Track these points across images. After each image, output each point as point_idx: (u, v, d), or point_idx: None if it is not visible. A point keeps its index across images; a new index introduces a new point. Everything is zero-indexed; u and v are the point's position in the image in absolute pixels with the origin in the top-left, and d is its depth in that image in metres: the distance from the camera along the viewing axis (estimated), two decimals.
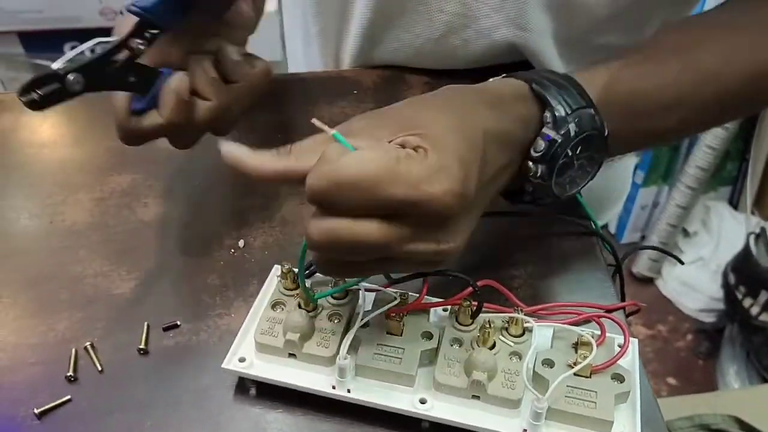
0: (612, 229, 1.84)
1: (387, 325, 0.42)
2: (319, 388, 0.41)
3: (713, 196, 1.77)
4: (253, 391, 0.42)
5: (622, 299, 0.49)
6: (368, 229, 0.34)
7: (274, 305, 0.43)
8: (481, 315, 0.42)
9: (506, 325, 0.42)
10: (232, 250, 0.51)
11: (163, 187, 0.56)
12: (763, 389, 1.36)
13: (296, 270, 0.44)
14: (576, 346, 0.41)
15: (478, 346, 0.41)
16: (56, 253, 0.51)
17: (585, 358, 0.39)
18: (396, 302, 0.42)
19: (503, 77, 0.45)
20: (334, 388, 0.40)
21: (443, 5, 0.59)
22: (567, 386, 0.39)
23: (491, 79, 0.45)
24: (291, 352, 0.41)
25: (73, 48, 0.47)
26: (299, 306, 0.43)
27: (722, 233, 1.67)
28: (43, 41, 1.67)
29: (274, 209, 0.54)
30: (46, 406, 0.42)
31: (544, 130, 0.41)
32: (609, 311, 0.44)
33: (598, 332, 0.42)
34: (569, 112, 0.41)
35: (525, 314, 0.42)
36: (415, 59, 0.64)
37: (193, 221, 0.53)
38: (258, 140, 0.59)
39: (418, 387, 0.41)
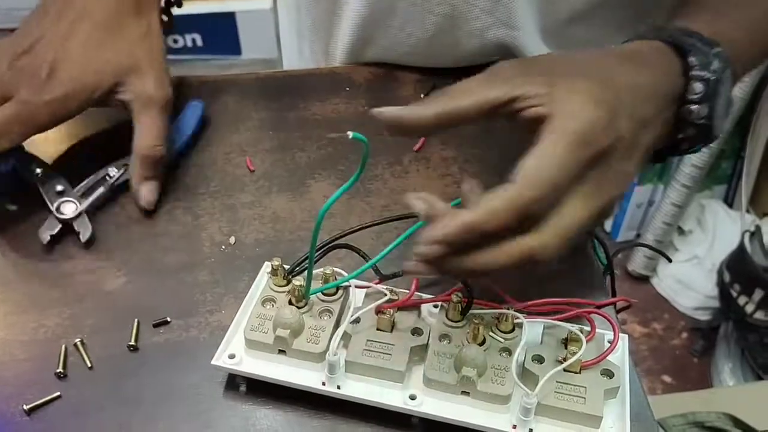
0: (607, 227, 1.84)
1: (377, 321, 0.42)
2: (309, 385, 0.40)
3: (708, 194, 1.78)
4: (243, 387, 0.42)
5: (613, 296, 0.49)
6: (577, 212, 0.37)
7: (264, 302, 0.43)
8: (471, 311, 0.42)
9: (496, 321, 0.42)
10: (223, 247, 0.51)
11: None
12: (758, 387, 1.36)
13: (287, 267, 0.44)
14: (566, 342, 0.41)
15: (468, 342, 0.41)
16: (46, 249, 0.51)
17: (574, 353, 0.39)
18: (386, 298, 0.42)
19: (634, 40, 0.45)
20: (324, 384, 0.40)
21: (434, 7, 0.59)
22: (556, 382, 0.39)
23: (624, 44, 0.45)
24: (281, 348, 0.41)
25: None
26: (289, 302, 0.43)
27: (717, 231, 1.68)
28: None
29: (265, 205, 0.54)
30: (35, 403, 0.42)
31: (695, 72, 0.42)
32: (599, 307, 0.44)
33: (588, 328, 0.42)
34: (708, 50, 0.42)
35: (515, 310, 0.42)
36: (406, 58, 0.64)
37: (184, 217, 0.53)
38: (251, 137, 0.59)
39: (407, 383, 0.41)
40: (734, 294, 1.53)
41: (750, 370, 1.49)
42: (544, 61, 0.42)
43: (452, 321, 0.42)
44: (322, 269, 0.43)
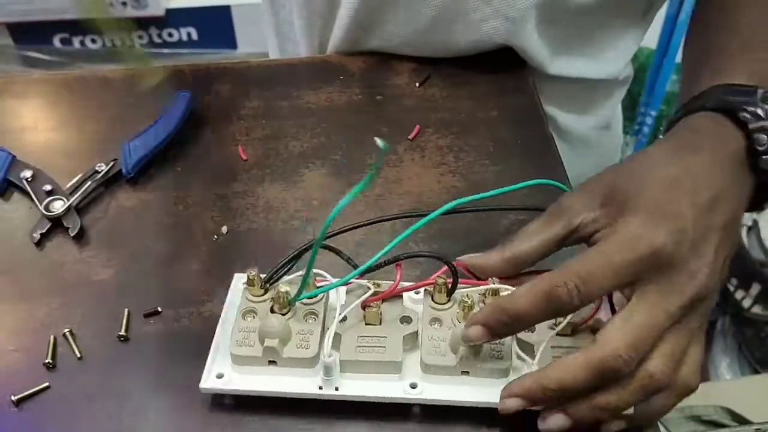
0: None
1: (365, 315, 0.41)
2: (306, 391, 0.40)
3: None
4: (231, 408, 0.41)
5: None
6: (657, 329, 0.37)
7: (245, 314, 0.42)
8: (457, 291, 0.42)
9: (483, 297, 0.42)
10: (215, 236, 0.50)
11: (144, 173, 0.55)
12: (755, 380, 1.36)
13: (263, 275, 0.43)
14: None
15: (459, 322, 0.40)
16: (35, 239, 0.50)
17: (565, 317, 0.40)
18: (371, 292, 0.42)
19: (675, 120, 0.46)
20: (321, 388, 0.40)
21: None
22: (551, 347, 0.40)
23: (673, 129, 0.45)
24: (271, 359, 0.40)
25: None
26: (271, 310, 0.42)
27: None
28: (32, 33, 1.65)
29: (258, 195, 0.53)
30: (24, 393, 0.42)
31: (753, 125, 0.42)
32: None
33: None
34: (755, 99, 0.43)
35: (500, 284, 0.41)
36: (402, 48, 0.64)
37: (175, 207, 0.52)
38: (243, 126, 0.59)
39: (405, 373, 0.40)
40: (731, 288, 1.52)
41: (747, 364, 1.48)
42: (602, 180, 0.42)
43: (439, 304, 0.42)
44: (301, 271, 0.42)
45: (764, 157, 0.42)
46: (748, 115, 0.42)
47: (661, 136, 0.50)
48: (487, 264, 0.42)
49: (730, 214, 0.40)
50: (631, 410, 0.38)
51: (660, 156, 0.42)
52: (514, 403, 0.37)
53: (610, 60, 0.65)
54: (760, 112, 0.42)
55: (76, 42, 1.68)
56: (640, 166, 0.41)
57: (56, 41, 1.67)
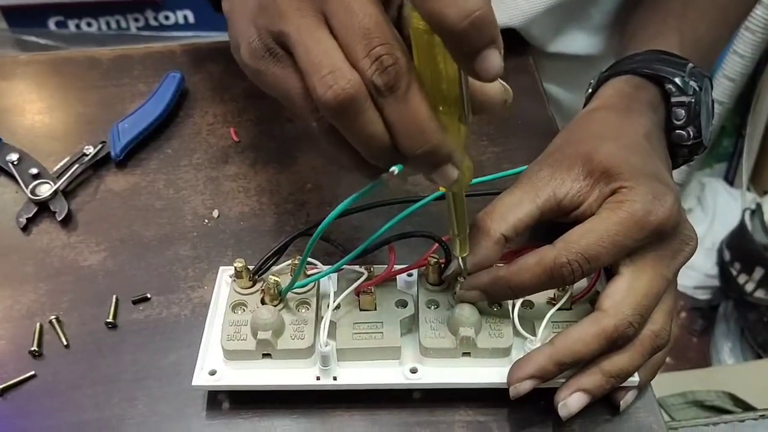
0: None
1: (359, 302, 0.40)
2: (304, 383, 0.38)
3: (708, 172, 1.76)
4: (226, 404, 0.40)
5: None
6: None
7: (234, 307, 0.40)
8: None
9: None
10: (206, 221, 0.49)
11: (133, 156, 0.53)
12: (757, 365, 1.35)
13: (251, 267, 0.41)
14: None
15: (456, 303, 0.39)
16: (22, 224, 0.49)
17: (565, 291, 0.40)
18: (365, 277, 0.40)
19: (606, 78, 0.47)
20: (318, 378, 0.38)
21: None
22: (551, 321, 0.39)
23: (600, 90, 0.47)
24: (265, 352, 0.39)
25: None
26: (262, 302, 0.40)
27: (717, 210, 1.66)
28: (27, 16, 1.63)
29: (250, 177, 0.52)
30: (9, 382, 0.41)
31: (675, 99, 0.44)
32: None
33: None
34: (682, 73, 0.45)
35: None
36: None
37: (165, 190, 0.51)
38: (236, 107, 0.57)
39: (404, 358, 0.39)
40: (734, 273, 1.51)
41: (749, 349, 1.48)
42: (568, 146, 0.41)
43: (433, 285, 0.41)
44: (291, 260, 0.41)
45: (677, 131, 0.45)
46: (672, 87, 0.44)
47: (588, 88, 0.50)
48: (480, 258, 0.39)
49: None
50: (636, 380, 0.38)
51: (614, 120, 0.43)
52: (527, 385, 0.37)
53: (608, 35, 0.63)
54: (683, 86, 0.44)
55: (71, 25, 1.66)
56: (601, 131, 0.42)
57: (51, 24, 1.65)
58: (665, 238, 0.38)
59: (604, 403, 0.39)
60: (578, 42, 0.62)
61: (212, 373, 0.39)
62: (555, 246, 0.37)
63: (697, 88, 0.45)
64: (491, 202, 0.40)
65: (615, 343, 0.36)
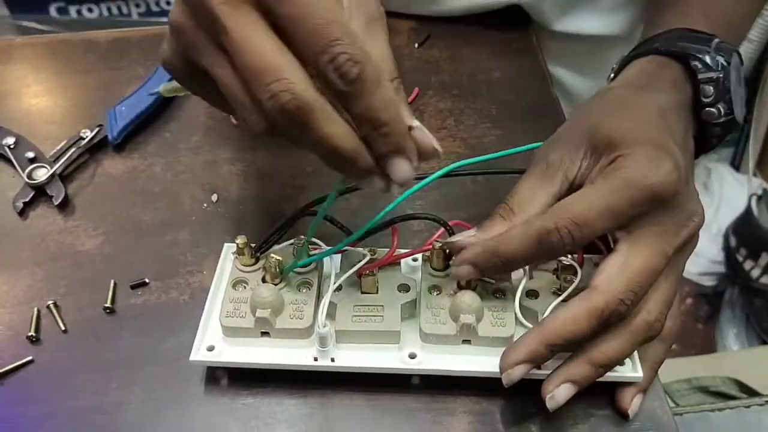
0: None
1: (361, 284, 0.39)
2: (301, 363, 0.38)
3: (715, 157, 1.74)
4: (225, 380, 0.40)
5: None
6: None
7: (235, 284, 0.40)
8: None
9: None
10: (205, 204, 0.48)
11: (131, 139, 0.53)
12: (763, 351, 1.35)
13: (253, 245, 0.41)
14: (556, 272, 0.40)
15: (459, 289, 0.39)
16: (18, 208, 0.48)
17: (569, 281, 0.39)
18: (367, 259, 0.40)
19: (628, 60, 0.46)
20: (316, 359, 0.38)
21: None
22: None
23: (622, 72, 0.45)
24: (264, 330, 0.38)
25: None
26: (263, 280, 0.40)
27: (723, 195, 1.65)
28: (28, 2, 1.62)
29: (249, 161, 0.51)
30: (7, 368, 0.40)
31: (702, 76, 0.42)
32: None
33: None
34: (708, 48, 0.43)
35: None
36: (404, 5, 0.61)
37: (163, 174, 0.50)
38: None
39: (404, 342, 0.39)
40: (740, 259, 1.51)
41: (755, 335, 1.47)
42: (580, 123, 0.40)
43: (437, 270, 0.40)
44: (293, 240, 0.41)
45: (707, 109, 0.43)
46: (698, 64, 0.42)
47: (611, 72, 0.48)
48: (510, 248, 0.38)
49: (692, 156, 0.41)
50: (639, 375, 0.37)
51: (628, 96, 0.41)
52: (520, 371, 0.35)
53: (619, 16, 0.62)
54: (710, 62, 0.42)
55: (72, 11, 1.65)
56: (611, 106, 0.41)
57: (52, 10, 1.64)
58: (666, 208, 0.36)
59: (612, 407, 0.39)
60: (586, 21, 0.61)
61: (210, 348, 0.39)
62: (545, 214, 0.35)
63: (725, 63, 0.43)
64: (509, 193, 0.39)
65: (607, 321, 0.35)
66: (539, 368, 0.36)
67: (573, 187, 0.38)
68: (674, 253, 0.37)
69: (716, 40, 0.43)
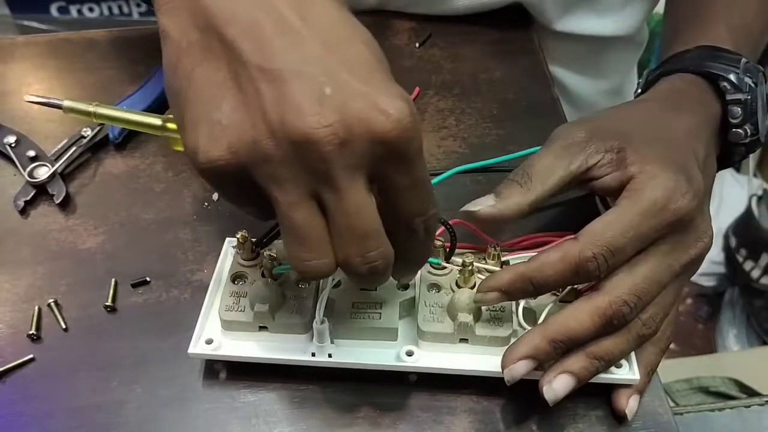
0: None
1: None
2: (298, 358, 0.38)
3: None
4: (223, 374, 0.40)
5: None
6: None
7: (235, 278, 0.40)
8: (454, 257, 0.40)
9: (484, 262, 0.40)
10: (206, 203, 0.48)
11: (132, 138, 0.53)
12: (763, 351, 1.35)
13: (254, 240, 0.41)
14: None
15: (459, 287, 0.39)
16: (19, 207, 0.48)
17: None
18: None
19: (657, 76, 0.46)
20: (314, 355, 0.38)
21: None
22: (553, 314, 0.38)
23: (653, 86, 0.46)
24: (262, 324, 0.38)
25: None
26: (262, 275, 0.40)
27: (724, 196, 1.65)
28: (29, 1, 1.62)
29: None
30: (8, 366, 0.40)
31: (730, 97, 0.43)
32: None
33: None
34: (737, 70, 0.44)
35: (501, 249, 0.40)
36: (405, 5, 0.61)
37: (165, 173, 0.50)
38: None
39: (401, 340, 0.39)
40: (740, 259, 1.51)
41: (755, 335, 1.47)
42: (607, 120, 0.42)
43: (436, 268, 0.40)
44: None
45: (734, 130, 0.44)
46: (727, 85, 0.43)
47: (638, 87, 0.49)
48: (511, 210, 0.39)
49: (713, 177, 0.42)
50: (635, 377, 0.37)
51: (659, 113, 0.42)
52: (522, 367, 0.35)
53: (621, 16, 0.62)
54: (738, 83, 0.43)
55: (73, 10, 1.65)
56: (645, 119, 0.41)
57: (53, 10, 1.64)
58: (680, 230, 0.37)
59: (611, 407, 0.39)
60: (588, 21, 0.61)
61: (209, 342, 0.39)
62: (579, 240, 0.35)
63: (753, 84, 0.44)
64: (526, 161, 0.39)
65: (610, 322, 0.35)
66: (541, 369, 0.36)
67: (586, 174, 0.39)
68: (683, 269, 0.38)
69: (743, 60, 0.44)
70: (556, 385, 0.36)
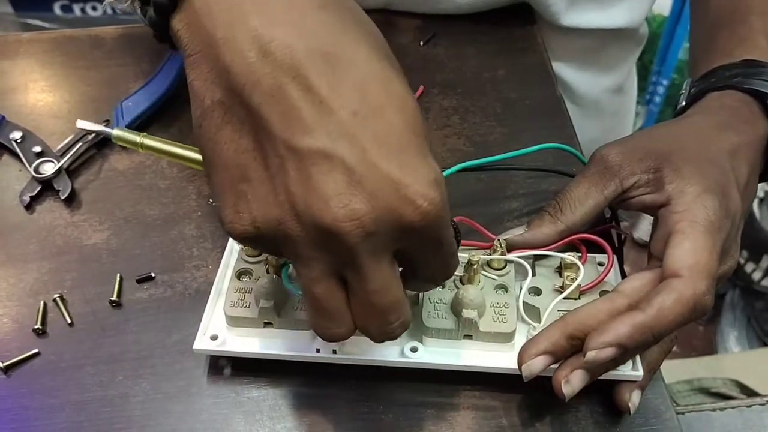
0: None
1: None
2: (303, 354, 0.38)
3: None
4: (228, 370, 0.40)
5: (618, 255, 0.46)
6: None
7: (240, 275, 0.41)
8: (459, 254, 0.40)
9: (487, 259, 0.40)
10: (211, 200, 0.49)
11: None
12: (764, 353, 1.35)
13: None
14: (560, 270, 0.41)
15: (462, 284, 0.39)
16: (25, 202, 0.48)
17: (572, 280, 0.39)
18: None
19: (701, 91, 0.46)
20: (318, 351, 0.38)
21: None
22: (558, 311, 0.39)
23: (700, 101, 0.45)
24: (267, 320, 0.39)
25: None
26: (267, 271, 0.40)
27: None
28: (32, 0, 1.62)
29: None
30: (13, 360, 0.41)
31: None
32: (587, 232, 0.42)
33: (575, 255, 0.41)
34: None
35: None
36: (410, 4, 0.61)
37: (170, 169, 0.51)
38: None
39: (405, 336, 0.39)
40: (741, 261, 1.50)
41: (756, 337, 1.47)
42: (644, 140, 0.42)
43: None
44: None
45: None
46: None
47: (683, 100, 0.48)
48: (538, 239, 0.41)
49: (753, 198, 0.42)
50: (639, 373, 0.37)
51: (703, 130, 0.42)
52: (540, 363, 0.35)
53: (626, 8, 0.62)
54: None
55: (76, 9, 1.65)
56: (687, 137, 0.42)
57: (56, 8, 1.64)
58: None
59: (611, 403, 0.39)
60: (592, 14, 0.61)
61: (214, 338, 0.39)
62: (684, 278, 0.35)
63: None
64: (562, 190, 0.41)
65: (697, 315, 0.35)
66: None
67: (622, 195, 0.40)
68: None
69: None
70: (573, 381, 0.36)
